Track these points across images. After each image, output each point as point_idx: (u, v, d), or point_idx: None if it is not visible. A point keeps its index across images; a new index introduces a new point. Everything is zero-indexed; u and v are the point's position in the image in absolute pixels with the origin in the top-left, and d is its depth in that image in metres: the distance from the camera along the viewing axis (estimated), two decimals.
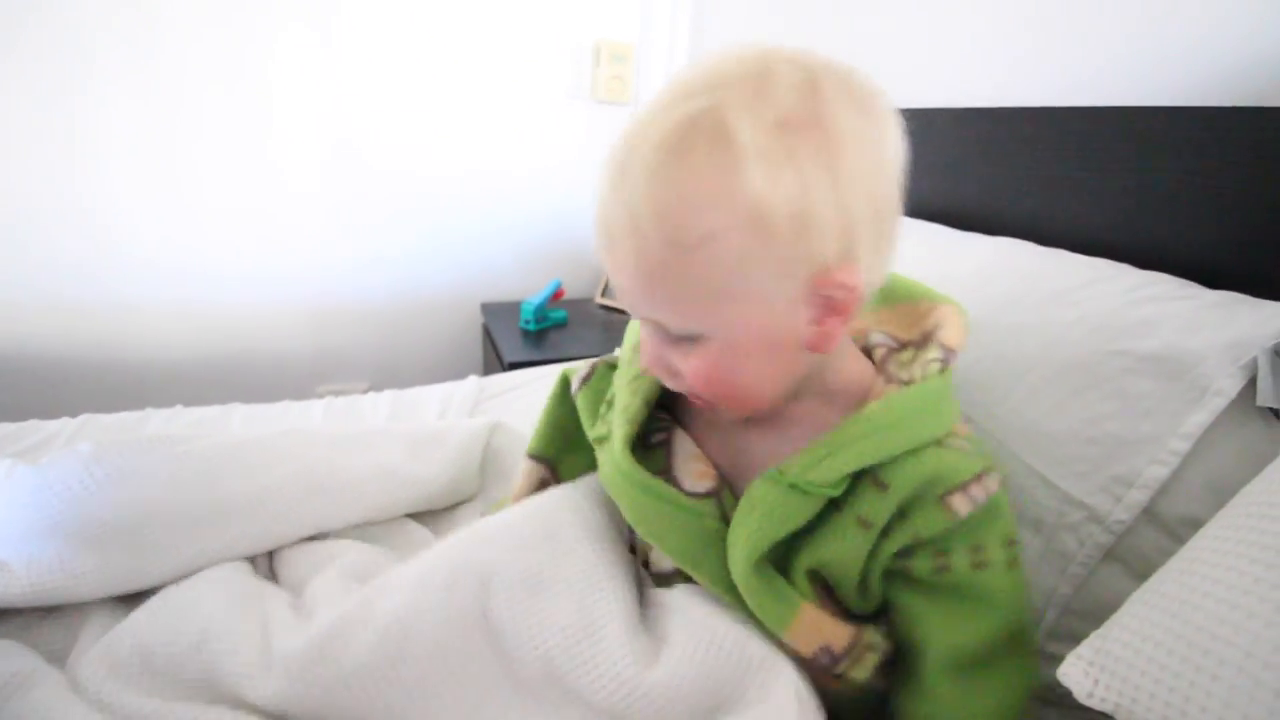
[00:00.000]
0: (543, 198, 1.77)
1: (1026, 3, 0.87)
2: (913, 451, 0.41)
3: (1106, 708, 0.36)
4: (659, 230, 0.36)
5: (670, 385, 0.45)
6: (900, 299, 0.51)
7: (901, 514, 0.41)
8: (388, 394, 1.01)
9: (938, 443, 0.42)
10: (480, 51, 1.59)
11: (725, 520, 0.45)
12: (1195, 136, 0.63)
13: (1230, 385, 0.49)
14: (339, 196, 1.58)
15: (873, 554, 0.41)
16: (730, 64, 0.37)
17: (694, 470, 0.47)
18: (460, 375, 1.21)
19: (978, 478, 0.41)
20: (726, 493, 0.47)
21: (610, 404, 0.52)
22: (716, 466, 0.48)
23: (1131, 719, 0.34)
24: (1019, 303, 0.63)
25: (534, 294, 1.65)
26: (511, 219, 1.76)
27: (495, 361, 1.51)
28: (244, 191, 1.49)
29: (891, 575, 0.43)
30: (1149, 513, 0.50)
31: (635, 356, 0.49)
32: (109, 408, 0.98)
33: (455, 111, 1.61)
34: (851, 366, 0.46)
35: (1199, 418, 0.49)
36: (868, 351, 0.49)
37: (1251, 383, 0.50)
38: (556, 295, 1.65)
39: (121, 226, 1.41)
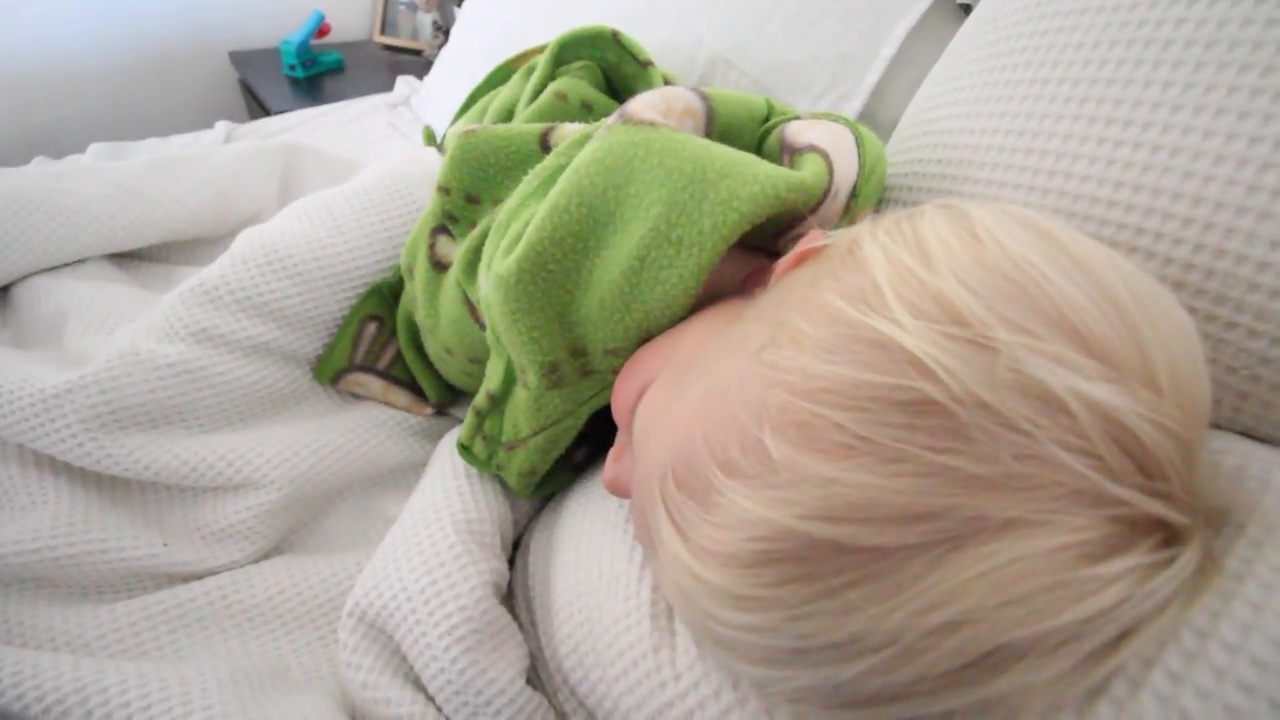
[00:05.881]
0: None
1: None
2: None
3: None
4: None
5: None
6: None
7: None
8: (96, 146, 0.84)
9: None
10: None
11: None
12: None
13: None
14: None
15: None
16: None
17: None
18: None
19: None
20: None
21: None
22: None
23: None
24: None
25: (291, 33, 1.38)
26: None
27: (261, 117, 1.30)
28: None
29: None
30: (864, 117, 0.58)
31: None
32: None
33: None
34: None
35: (904, 23, 0.55)
36: None
37: None
38: (321, 32, 1.40)
39: None
